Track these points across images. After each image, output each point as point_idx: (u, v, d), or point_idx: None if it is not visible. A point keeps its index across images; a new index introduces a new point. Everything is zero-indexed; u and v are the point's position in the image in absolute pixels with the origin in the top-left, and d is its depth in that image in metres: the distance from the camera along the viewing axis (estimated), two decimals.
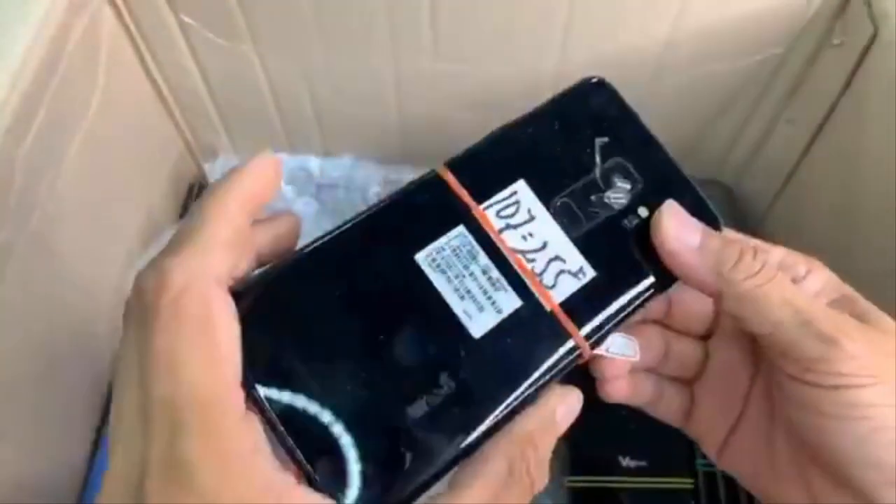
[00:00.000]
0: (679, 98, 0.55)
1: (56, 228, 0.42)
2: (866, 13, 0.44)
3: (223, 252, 0.21)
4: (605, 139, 0.28)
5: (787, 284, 0.26)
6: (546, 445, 0.23)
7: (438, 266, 0.23)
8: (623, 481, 0.46)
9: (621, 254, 0.25)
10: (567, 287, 0.24)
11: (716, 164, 0.62)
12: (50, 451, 0.44)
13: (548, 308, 0.24)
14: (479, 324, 0.23)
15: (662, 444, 0.46)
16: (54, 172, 0.42)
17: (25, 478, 0.41)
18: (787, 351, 0.25)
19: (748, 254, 0.25)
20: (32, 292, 0.41)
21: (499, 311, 0.23)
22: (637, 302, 0.25)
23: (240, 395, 0.20)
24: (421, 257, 0.23)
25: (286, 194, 0.58)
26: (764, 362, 0.30)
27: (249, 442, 0.19)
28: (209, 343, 0.19)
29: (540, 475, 0.23)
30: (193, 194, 0.62)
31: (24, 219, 0.39)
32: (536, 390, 0.23)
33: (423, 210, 0.24)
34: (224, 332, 0.20)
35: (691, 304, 0.31)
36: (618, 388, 0.30)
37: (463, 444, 0.22)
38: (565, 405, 0.24)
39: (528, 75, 0.53)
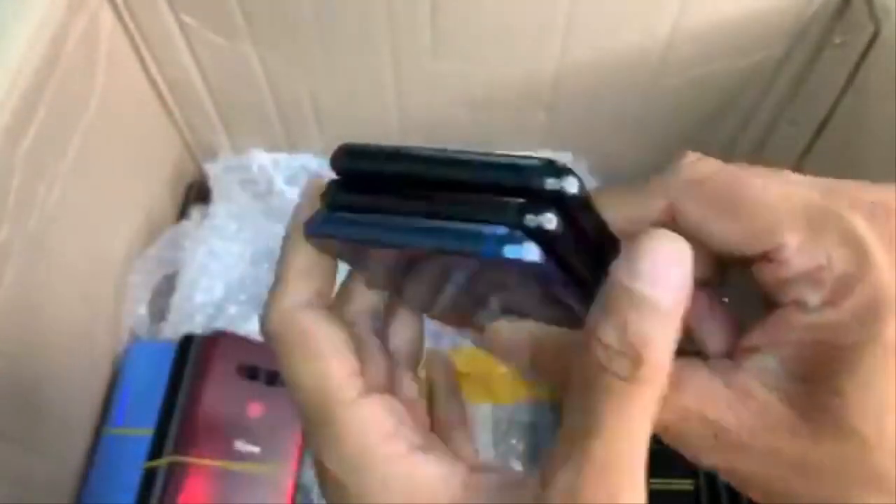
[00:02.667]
0: (680, 98, 0.55)
1: (55, 228, 0.42)
2: (867, 12, 0.44)
3: (299, 281, 0.23)
4: None
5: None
6: None
7: None
8: None
9: None
10: None
11: None
12: (50, 450, 0.44)
13: None
14: None
15: (663, 444, 0.46)
16: (53, 172, 0.42)
17: (26, 477, 0.41)
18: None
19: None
20: (32, 292, 0.41)
21: None
22: None
23: (351, 384, 0.21)
24: None
25: (286, 194, 0.58)
26: None
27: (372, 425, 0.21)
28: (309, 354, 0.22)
29: None
30: (192, 194, 0.62)
31: (24, 218, 0.39)
32: None
33: None
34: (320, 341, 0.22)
35: None
36: None
37: None
38: None
39: (528, 75, 0.53)
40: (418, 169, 0.20)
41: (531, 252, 0.18)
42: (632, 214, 0.21)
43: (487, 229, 0.18)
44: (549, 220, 0.18)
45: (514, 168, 0.19)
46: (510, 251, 0.18)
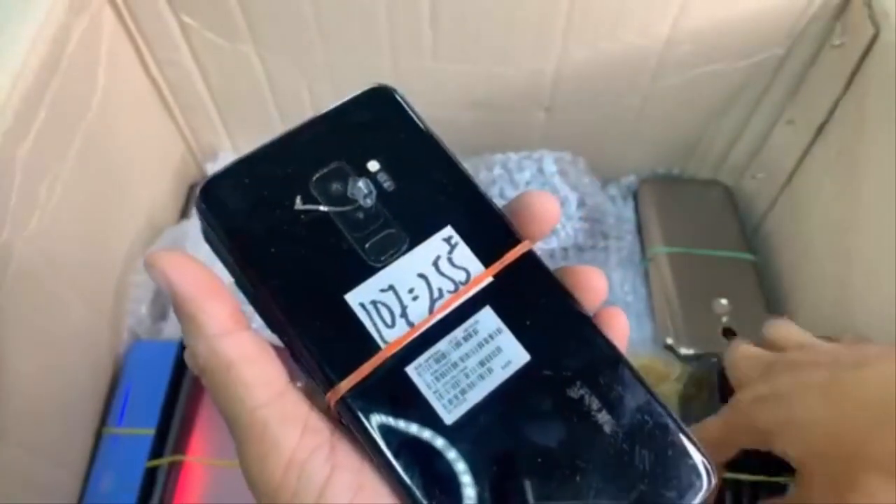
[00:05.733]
0: (679, 98, 0.55)
1: (56, 228, 0.42)
2: (867, 14, 0.44)
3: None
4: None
5: None
6: None
7: None
8: None
9: None
10: None
11: (716, 164, 0.62)
12: (50, 450, 0.44)
13: None
14: None
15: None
16: (54, 173, 0.42)
17: (27, 477, 0.41)
18: None
19: None
20: (32, 293, 0.41)
21: None
22: None
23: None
24: None
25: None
26: None
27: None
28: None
29: None
30: (194, 194, 0.62)
31: (25, 219, 0.39)
32: None
33: None
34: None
35: None
36: None
37: None
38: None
39: (528, 75, 0.53)
40: None
41: None
42: None
43: None
44: None
45: None
46: None
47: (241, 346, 0.20)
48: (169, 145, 0.59)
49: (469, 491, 0.20)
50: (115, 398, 0.50)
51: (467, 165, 0.62)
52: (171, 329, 0.53)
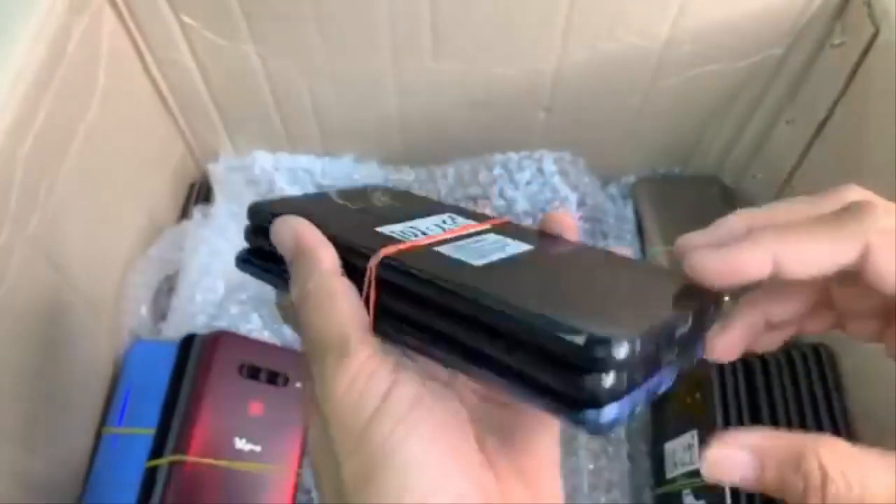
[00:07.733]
0: (679, 98, 0.55)
1: (56, 229, 0.42)
2: (866, 13, 0.44)
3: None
4: None
5: None
6: None
7: None
8: None
9: None
10: None
11: (716, 164, 0.62)
12: (50, 450, 0.44)
13: None
14: None
15: None
16: (55, 173, 0.42)
17: (26, 477, 0.41)
18: None
19: None
20: (33, 293, 0.41)
21: None
22: None
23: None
24: None
25: (287, 193, 0.58)
26: None
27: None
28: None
29: None
30: (194, 194, 0.62)
31: (25, 219, 0.39)
32: None
33: None
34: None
35: None
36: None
37: None
38: None
39: (528, 75, 0.53)
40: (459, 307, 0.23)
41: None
42: (825, 258, 0.22)
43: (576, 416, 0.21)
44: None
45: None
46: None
47: (345, 284, 0.26)
48: (169, 145, 0.59)
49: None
50: (115, 398, 0.50)
51: (467, 165, 0.62)
52: (171, 329, 0.53)
